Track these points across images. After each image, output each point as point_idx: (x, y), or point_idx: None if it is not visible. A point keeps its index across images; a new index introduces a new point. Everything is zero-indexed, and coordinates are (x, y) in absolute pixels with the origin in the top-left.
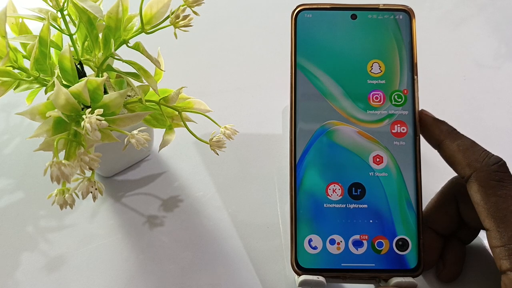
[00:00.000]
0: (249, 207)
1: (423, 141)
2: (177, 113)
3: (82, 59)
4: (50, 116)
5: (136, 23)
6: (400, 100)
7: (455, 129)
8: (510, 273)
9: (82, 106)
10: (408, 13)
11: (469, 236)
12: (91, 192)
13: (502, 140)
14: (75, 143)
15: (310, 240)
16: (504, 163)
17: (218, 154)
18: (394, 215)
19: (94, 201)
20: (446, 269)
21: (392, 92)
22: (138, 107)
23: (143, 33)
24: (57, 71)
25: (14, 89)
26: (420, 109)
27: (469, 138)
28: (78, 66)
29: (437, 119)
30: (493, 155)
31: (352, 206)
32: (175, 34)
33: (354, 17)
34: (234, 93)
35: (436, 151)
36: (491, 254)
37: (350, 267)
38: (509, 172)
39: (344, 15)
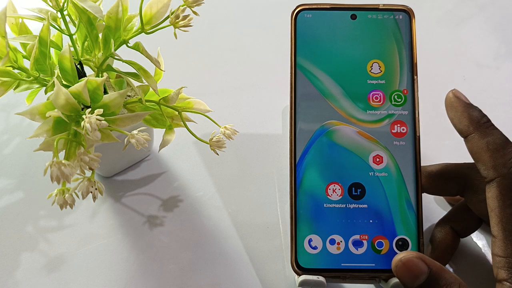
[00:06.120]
0: (249, 207)
1: (422, 141)
2: (177, 113)
3: (82, 59)
4: (50, 116)
5: (136, 23)
6: (400, 100)
7: (487, 120)
8: (505, 283)
9: (82, 106)
10: (408, 13)
11: (465, 231)
12: (91, 192)
13: None
14: (75, 143)
15: (310, 240)
16: None
17: (218, 154)
18: (394, 215)
19: (94, 201)
20: (434, 255)
21: (392, 92)
22: (138, 107)
23: (143, 33)
24: (57, 71)
25: (14, 89)
26: (453, 88)
27: (502, 135)
28: (78, 66)
29: (469, 105)
30: None
31: (352, 206)
32: (175, 34)
33: (354, 17)
34: (234, 93)
35: (436, 151)
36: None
37: (350, 267)
38: None
39: (344, 15)
